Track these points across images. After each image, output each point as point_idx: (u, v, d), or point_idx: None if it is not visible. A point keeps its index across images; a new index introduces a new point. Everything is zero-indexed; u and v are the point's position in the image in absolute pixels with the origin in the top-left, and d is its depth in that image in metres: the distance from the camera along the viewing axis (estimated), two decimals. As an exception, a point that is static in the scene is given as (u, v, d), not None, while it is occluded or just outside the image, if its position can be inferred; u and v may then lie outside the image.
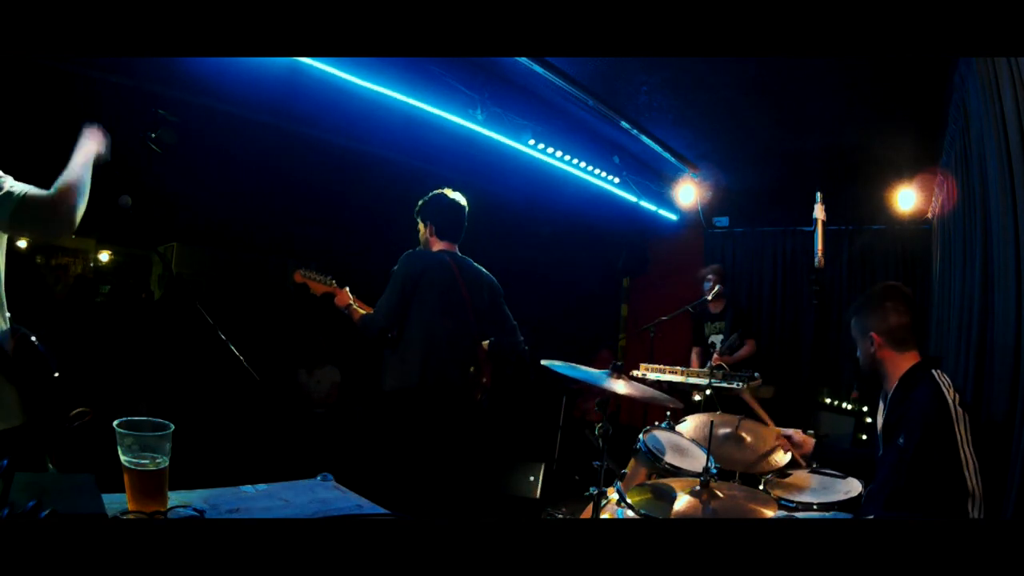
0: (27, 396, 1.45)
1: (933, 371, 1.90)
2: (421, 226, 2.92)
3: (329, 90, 3.13)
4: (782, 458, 2.46)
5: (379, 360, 2.87)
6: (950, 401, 1.80)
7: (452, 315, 2.76)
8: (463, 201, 2.91)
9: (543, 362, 2.16)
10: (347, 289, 2.85)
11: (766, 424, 2.50)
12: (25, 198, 1.44)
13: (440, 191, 2.90)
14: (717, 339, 4.80)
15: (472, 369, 2.79)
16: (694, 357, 4.96)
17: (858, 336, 2.08)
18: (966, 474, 1.73)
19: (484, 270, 2.94)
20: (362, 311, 2.80)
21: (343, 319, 2.85)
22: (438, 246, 2.87)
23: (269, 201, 5.14)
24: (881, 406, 2.10)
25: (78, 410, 1.53)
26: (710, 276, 4.79)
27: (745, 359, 4.52)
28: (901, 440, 1.85)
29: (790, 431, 2.41)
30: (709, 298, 4.70)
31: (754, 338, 4.68)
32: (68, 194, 1.48)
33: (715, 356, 4.47)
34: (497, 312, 2.94)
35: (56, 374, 1.51)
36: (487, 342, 2.91)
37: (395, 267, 2.86)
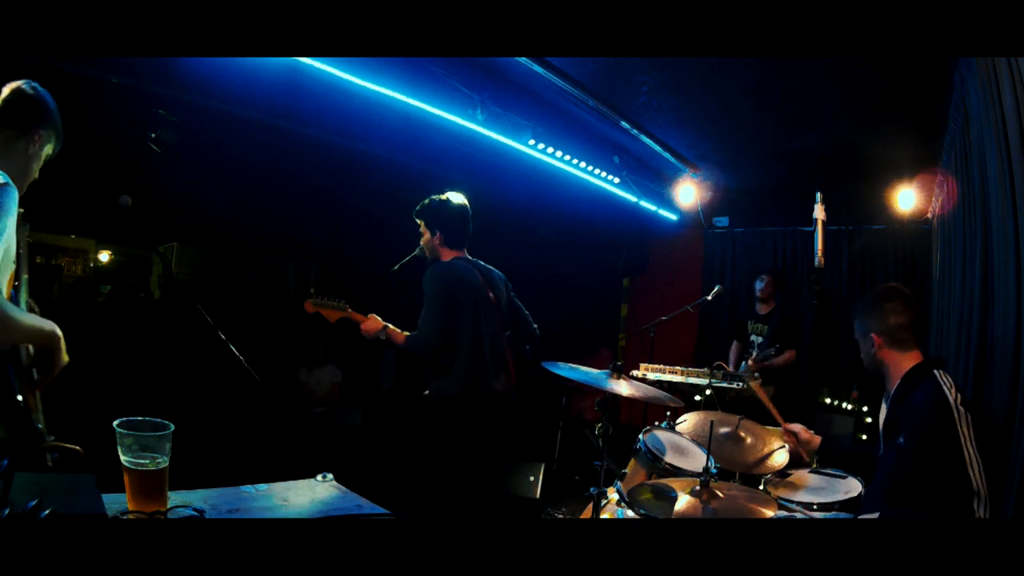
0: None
1: (935, 371, 1.91)
2: (426, 232, 2.86)
3: (329, 90, 3.12)
4: (782, 458, 2.46)
5: (378, 360, 2.87)
6: (951, 400, 1.80)
7: (487, 321, 2.79)
8: (467, 205, 2.88)
9: (543, 364, 2.16)
10: (374, 315, 2.79)
11: (776, 421, 2.48)
12: None
13: (443, 198, 2.85)
14: (757, 340, 4.80)
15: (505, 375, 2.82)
16: (733, 351, 4.98)
17: (860, 337, 2.09)
18: (970, 473, 1.73)
19: (494, 268, 2.96)
20: (399, 332, 2.76)
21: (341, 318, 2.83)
22: (449, 255, 2.85)
23: (269, 201, 5.14)
24: (884, 406, 2.10)
25: (61, 445, 1.45)
26: (765, 277, 4.83)
27: (781, 367, 4.50)
28: (901, 439, 1.85)
29: (797, 427, 2.39)
30: (708, 298, 4.69)
31: (796, 348, 4.65)
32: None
33: (751, 361, 4.47)
34: (512, 306, 2.99)
35: (19, 398, 1.41)
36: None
37: (394, 268, 2.86)
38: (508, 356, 2.89)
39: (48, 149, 1.64)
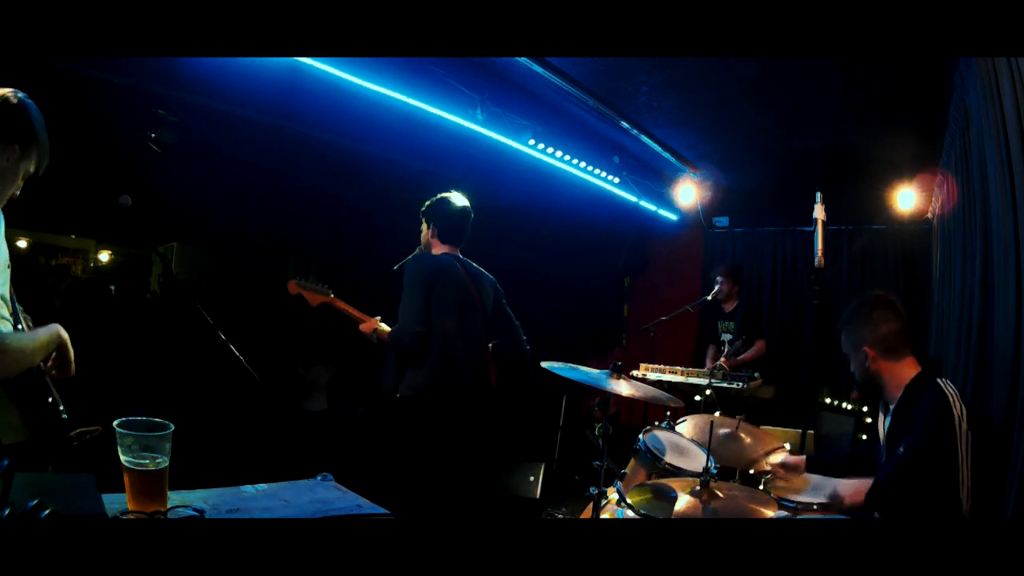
0: (28, 415, 1.42)
1: (939, 380, 1.87)
2: (424, 226, 2.88)
3: (329, 90, 3.12)
4: (781, 458, 2.46)
5: (379, 359, 2.86)
6: (956, 417, 1.77)
7: (466, 318, 2.73)
8: (469, 207, 2.87)
9: (543, 364, 2.16)
10: (378, 318, 2.76)
11: (767, 442, 2.46)
12: None
13: (447, 196, 2.85)
14: (727, 337, 4.79)
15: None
16: (710, 354, 4.95)
17: (850, 351, 2.03)
18: (961, 494, 1.72)
19: (485, 271, 2.92)
20: (388, 329, 2.73)
21: (339, 317, 2.83)
22: (439, 249, 2.83)
23: (269, 201, 5.14)
24: (881, 416, 2.07)
25: (84, 429, 1.49)
26: (719, 279, 4.78)
27: (753, 360, 4.49)
28: (902, 449, 1.84)
29: (779, 457, 2.35)
30: (708, 298, 4.70)
31: (764, 339, 4.63)
32: (8, 354, 1.38)
33: (723, 359, 4.46)
34: (500, 312, 2.93)
35: (50, 399, 1.46)
36: (491, 344, 2.91)
37: (394, 269, 2.85)
38: (489, 360, 2.83)
39: (29, 166, 1.54)
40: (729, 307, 4.81)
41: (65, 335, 1.53)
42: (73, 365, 1.54)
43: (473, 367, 2.73)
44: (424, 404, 2.63)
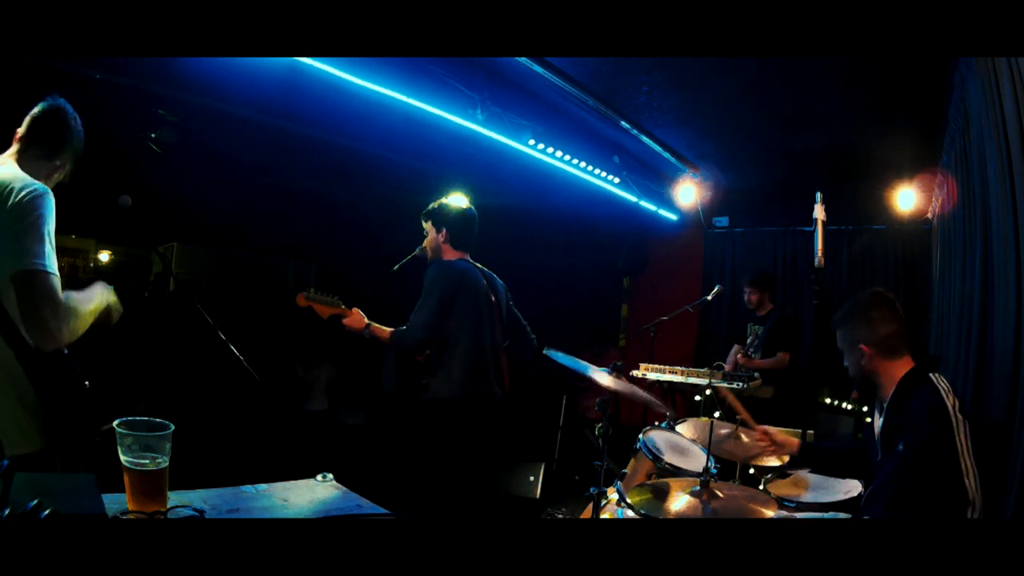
0: (51, 418, 1.42)
1: (931, 375, 1.87)
2: (432, 231, 2.87)
3: (329, 90, 3.12)
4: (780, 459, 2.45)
5: (378, 360, 2.86)
6: (950, 407, 1.77)
7: (489, 324, 2.78)
8: (474, 209, 2.90)
9: (545, 351, 2.17)
10: (356, 309, 2.76)
11: (750, 425, 2.41)
12: (48, 278, 1.42)
13: (452, 200, 2.87)
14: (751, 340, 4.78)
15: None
16: (733, 350, 4.90)
17: (846, 348, 2.02)
18: (967, 482, 1.71)
19: (495, 275, 2.96)
20: (384, 328, 2.74)
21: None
22: (452, 255, 2.85)
23: (269, 201, 5.14)
24: (876, 413, 2.07)
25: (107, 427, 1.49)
26: (746, 289, 4.75)
27: (771, 369, 4.43)
28: (901, 446, 1.83)
29: (772, 429, 2.30)
30: (708, 298, 4.69)
31: (790, 351, 4.56)
32: (70, 316, 1.46)
33: (740, 355, 4.44)
34: (511, 315, 2.98)
35: (87, 383, 1.48)
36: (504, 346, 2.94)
37: (394, 269, 2.85)
38: (504, 364, 2.87)
39: (64, 176, 1.71)
40: (763, 312, 4.77)
41: (112, 295, 1.65)
42: (115, 318, 1.64)
43: (494, 369, 2.78)
44: (454, 406, 2.66)
